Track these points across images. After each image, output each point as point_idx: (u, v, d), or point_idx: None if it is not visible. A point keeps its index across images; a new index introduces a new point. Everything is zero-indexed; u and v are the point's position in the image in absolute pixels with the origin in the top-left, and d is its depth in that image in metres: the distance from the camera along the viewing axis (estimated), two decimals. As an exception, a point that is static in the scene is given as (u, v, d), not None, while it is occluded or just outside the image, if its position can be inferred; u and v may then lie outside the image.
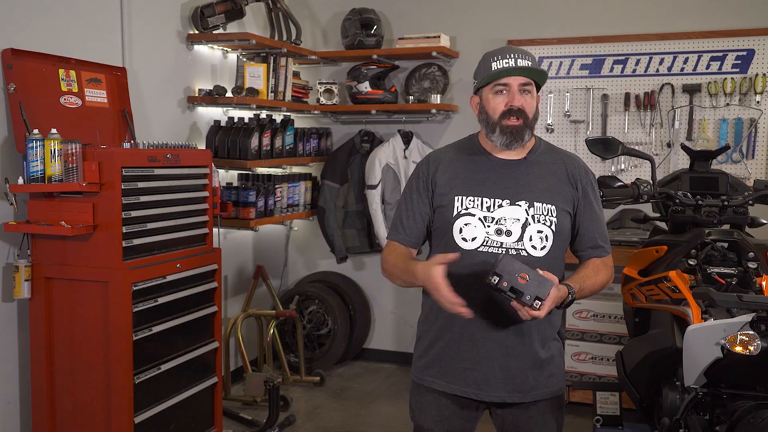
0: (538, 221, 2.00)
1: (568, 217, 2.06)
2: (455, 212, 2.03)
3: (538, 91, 2.09)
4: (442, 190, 2.08)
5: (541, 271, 1.84)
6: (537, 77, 2.04)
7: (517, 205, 2.01)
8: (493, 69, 2.02)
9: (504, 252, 1.98)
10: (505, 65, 2.01)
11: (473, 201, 2.03)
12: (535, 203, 2.01)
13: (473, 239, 2.01)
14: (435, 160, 2.14)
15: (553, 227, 2.01)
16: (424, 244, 2.20)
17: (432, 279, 1.87)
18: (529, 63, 2.02)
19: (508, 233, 1.99)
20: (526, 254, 1.99)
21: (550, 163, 2.10)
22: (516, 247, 1.99)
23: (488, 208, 2.01)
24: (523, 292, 1.80)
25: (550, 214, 2.01)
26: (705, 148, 3.76)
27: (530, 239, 1.99)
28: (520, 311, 1.83)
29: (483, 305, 2.00)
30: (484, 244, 2.00)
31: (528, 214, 2.00)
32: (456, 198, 2.04)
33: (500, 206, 2.01)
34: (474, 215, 2.01)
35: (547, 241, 2.01)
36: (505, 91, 2.02)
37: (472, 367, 2.04)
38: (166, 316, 3.02)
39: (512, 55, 2.02)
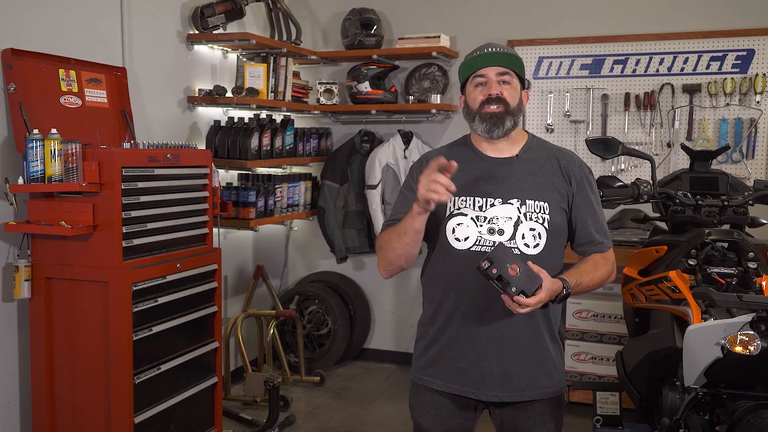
0: (530, 219, 2.00)
1: (563, 214, 2.05)
2: (447, 212, 2.04)
3: (524, 87, 2.11)
4: None
5: (533, 265, 1.84)
6: (510, 64, 2.05)
7: (509, 203, 2.01)
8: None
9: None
10: (479, 55, 2.06)
11: (465, 201, 2.03)
12: (527, 201, 2.01)
13: (466, 239, 2.01)
14: (430, 161, 2.14)
15: (546, 225, 2.01)
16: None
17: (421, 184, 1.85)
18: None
19: (501, 232, 1.99)
20: (519, 252, 1.99)
21: (542, 159, 2.09)
22: (509, 245, 1.98)
23: (480, 208, 2.02)
24: (510, 282, 1.80)
25: (542, 211, 2.01)
26: (705, 148, 3.76)
27: (522, 237, 1.99)
28: (508, 303, 1.84)
29: (478, 305, 2.00)
30: (477, 243, 2.00)
31: (520, 212, 2.00)
32: (449, 199, 2.04)
33: (492, 205, 2.02)
34: (466, 215, 2.02)
35: (540, 238, 2.00)
36: (484, 83, 2.05)
37: (470, 367, 2.04)
38: (166, 316, 3.02)
39: (488, 49, 2.07)
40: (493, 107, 2.03)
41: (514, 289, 1.80)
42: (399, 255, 2.05)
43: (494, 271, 1.79)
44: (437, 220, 2.06)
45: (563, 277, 1.97)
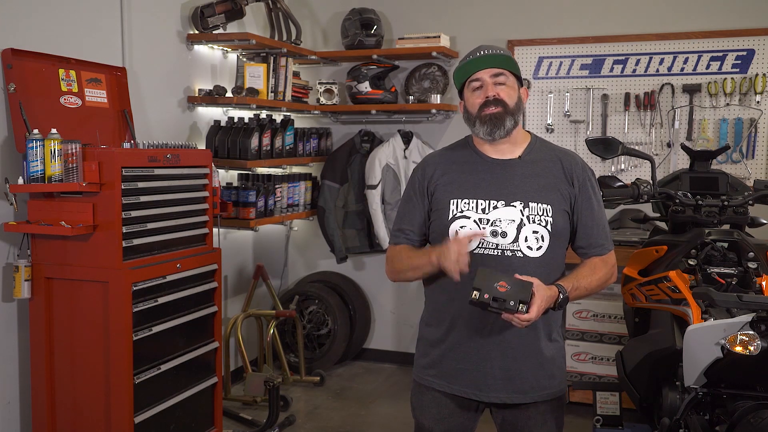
0: (534, 222, 2.00)
1: (566, 216, 2.05)
2: (450, 215, 2.04)
3: (522, 85, 2.11)
4: (439, 194, 2.09)
5: (519, 276, 1.87)
6: (503, 64, 2.05)
7: (512, 206, 2.01)
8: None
9: (500, 252, 1.99)
10: (471, 60, 2.06)
11: (468, 203, 2.03)
12: (530, 203, 2.01)
13: (469, 242, 2.01)
14: (431, 165, 2.15)
15: (549, 227, 2.01)
16: (425, 246, 2.21)
17: (448, 245, 1.91)
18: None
19: (503, 234, 1.99)
20: (522, 255, 1.99)
21: (546, 161, 2.09)
22: (512, 248, 1.99)
23: (483, 210, 2.02)
24: (506, 299, 1.81)
25: (545, 214, 2.01)
26: (705, 148, 3.76)
27: (525, 240, 1.99)
28: (512, 321, 1.86)
29: None
30: (480, 246, 2.00)
31: (523, 215, 2.00)
32: (451, 201, 2.05)
33: (495, 207, 2.01)
34: (469, 218, 2.02)
35: (543, 241, 2.00)
36: (480, 87, 2.06)
37: (472, 368, 2.05)
38: (166, 316, 3.02)
39: (481, 52, 2.07)
40: (492, 109, 2.03)
41: (512, 303, 1.81)
42: (409, 279, 2.15)
43: (486, 296, 1.81)
44: (440, 222, 2.06)
45: (560, 282, 1.98)
